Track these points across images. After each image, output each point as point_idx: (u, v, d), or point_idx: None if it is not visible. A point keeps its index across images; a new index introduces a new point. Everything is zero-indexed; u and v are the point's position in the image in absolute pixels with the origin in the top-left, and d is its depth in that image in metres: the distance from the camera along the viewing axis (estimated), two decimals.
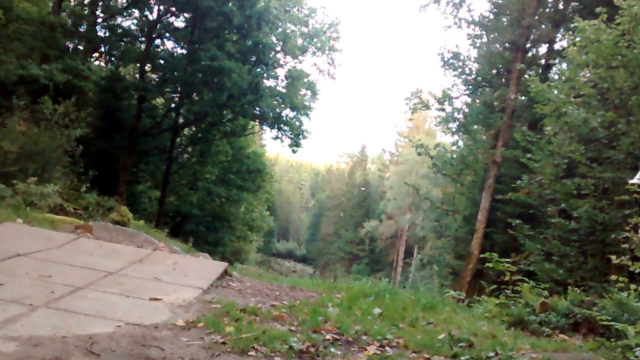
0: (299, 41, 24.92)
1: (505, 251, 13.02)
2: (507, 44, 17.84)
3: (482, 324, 5.80)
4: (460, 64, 19.01)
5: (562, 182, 11.03)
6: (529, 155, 12.57)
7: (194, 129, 26.80)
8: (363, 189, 61.75)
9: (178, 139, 25.51)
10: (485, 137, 18.52)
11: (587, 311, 5.85)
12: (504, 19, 17.71)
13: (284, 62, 25.23)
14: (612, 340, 4.83)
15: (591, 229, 10.09)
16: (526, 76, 13.99)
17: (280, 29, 23.88)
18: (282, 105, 24.75)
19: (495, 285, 7.71)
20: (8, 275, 4.55)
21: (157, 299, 4.66)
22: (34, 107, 12.04)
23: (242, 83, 20.49)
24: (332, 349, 3.94)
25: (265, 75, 24.32)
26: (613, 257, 7.17)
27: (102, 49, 22.50)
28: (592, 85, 10.86)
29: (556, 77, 14.86)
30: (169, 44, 24.65)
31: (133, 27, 23.24)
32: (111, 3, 21.19)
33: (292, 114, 25.16)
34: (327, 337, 4.27)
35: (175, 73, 21.70)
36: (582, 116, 10.44)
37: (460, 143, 21.44)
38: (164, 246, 8.11)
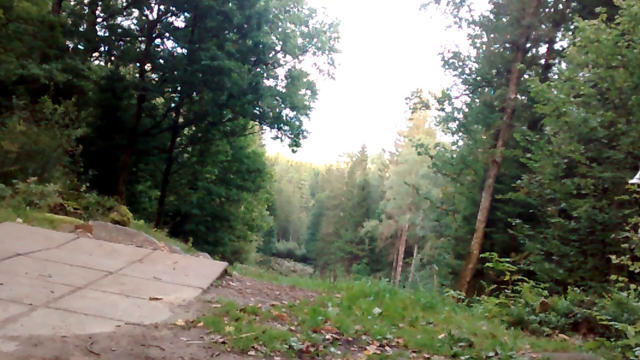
0: (299, 41, 24.91)
1: (505, 251, 13.04)
2: (507, 44, 17.84)
3: (482, 324, 5.80)
4: (460, 63, 19.02)
5: (561, 181, 11.03)
6: (528, 155, 12.57)
7: (194, 128, 26.81)
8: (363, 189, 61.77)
9: (178, 139, 25.53)
10: (485, 137, 18.52)
11: (587, 311, 5.85)
12: (504, 19, 17.70)
13: (284, 61, 25.24)
14: (612, 340, 4.83)
15: (591, 228, 10.10)
16: (526, 76, 14.03)
17: (280, 29, 23.88)
18: (282, 105, 24.75)
19: (495, 285, 7.72)
20: (8, 274, 4.55)
21: (157, 299, 4.66)
22: (34, 106, 12.03)
23: (242, 83, 20.49)
24: (332, 349, 3.94)
25: (265, 75, 24.33)
26: (613, 257, 7.16)
27: (102, 49, 22.49)
28: (592, 85, 10.86)
29: (556, 77, 14.84)
30: (169, 44, 24.69)
31: (133, 26, 23.26)
32: (111, 2, 21.18)
33: (292, 114, 25.19)
34: (327, 336, 4.27)
35: (175, 73, 21.71)
36: (582, 116, 10.44)
37: (460, 143, 21.46)
38: (163, 246, 8.11)
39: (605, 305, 5.84)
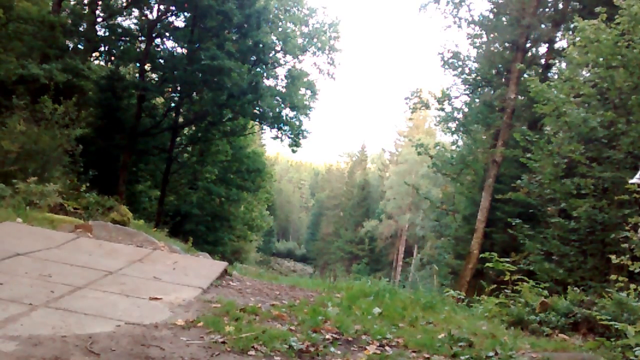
0: (299, 41, 24.92)
1: (505, 251, 13.04)
2: (507, 44, 17.85)
3: (482, 324, 5.79)
4: (460, 63, 19.03)
5: (561, 181, 11.03)
6: (528, 155, 12.57)
7: (193, 128, 26.82)
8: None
9: (178, 139, 25.53)
10: (485, 137, 18.53)
11: (586, 311, 5.84)
12: (504, 19, 17.70)
13: (284, 61, 25.26)
14: (612, 339, 4.83)
15: (591, 228, 10.09)
16: (526, 76, 14.00)
17: (280, 29, 23.90)
18: (282, 105, 24.76)
19: (495, 285, 7.71)
20: (8, 274, 4.55)
21: (157, 299, 4.66)
22: (34, 106, 12.02)
23: (242, 82, 20.50)
24: (332, 349, 3.95)
25: (265, 74, 24.34)
26: (613, 256, 7.15)
27: (102, 49, 22.49)
28: (592, 85, 10.86)
29: (556, 76, 14.84)
30: (169, 44, 24.71)
31: (133, 26, 23.25)
32: (111, 2, 21.18)
33: (292, 114, 25.21)
34: (327, 336, 4.27)
35: (175, 72, 21.70)
36: (582, 116, 10.43)
37: (460, 142, 21.46)
38: (163, 246, 8.11)
39: (605, 305, 5.83)
